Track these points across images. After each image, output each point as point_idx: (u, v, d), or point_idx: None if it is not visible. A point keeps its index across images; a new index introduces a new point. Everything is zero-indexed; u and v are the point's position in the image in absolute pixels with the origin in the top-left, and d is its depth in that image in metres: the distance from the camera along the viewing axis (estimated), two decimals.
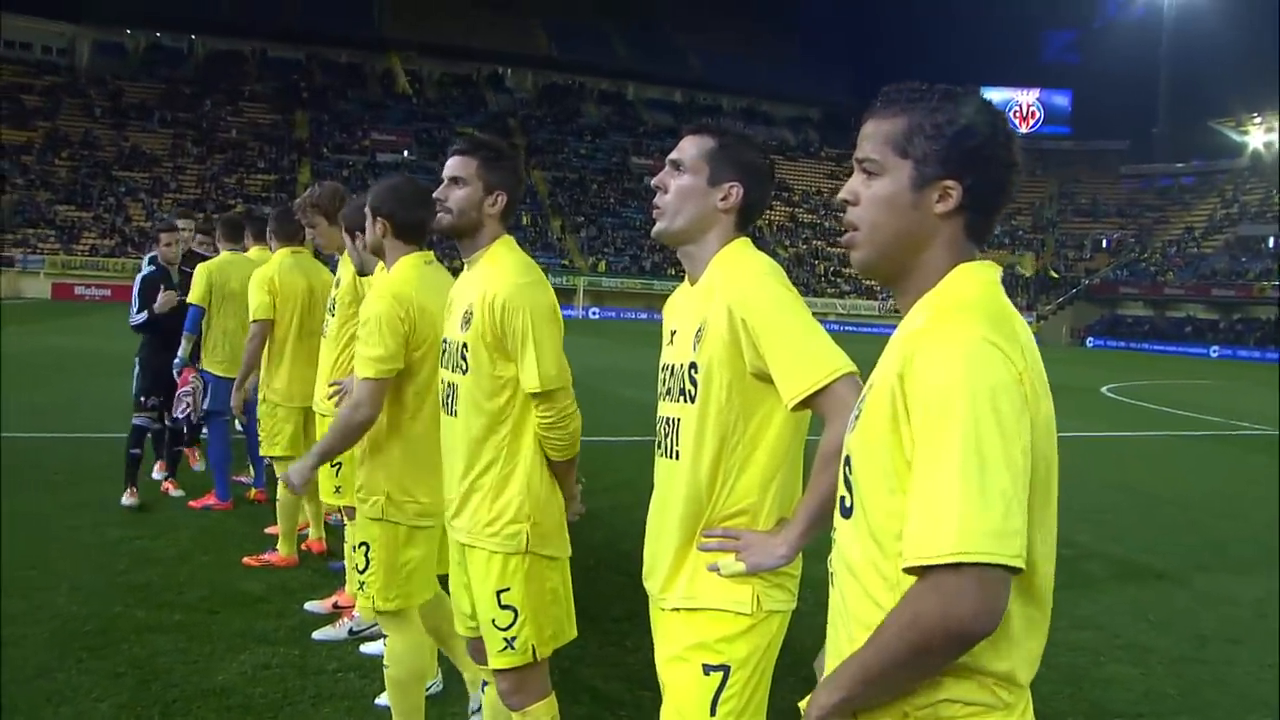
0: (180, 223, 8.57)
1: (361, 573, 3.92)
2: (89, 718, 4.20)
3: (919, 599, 1.53)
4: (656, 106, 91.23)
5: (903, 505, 1.64)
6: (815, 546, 2.44)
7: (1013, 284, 68.15)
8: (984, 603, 1.50)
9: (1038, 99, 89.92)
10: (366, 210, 4.07)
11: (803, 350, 2.38)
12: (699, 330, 2.48)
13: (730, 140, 2.61)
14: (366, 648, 5.11)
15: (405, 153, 73.06)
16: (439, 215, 3.34)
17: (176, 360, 7.79)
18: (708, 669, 2.45)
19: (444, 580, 4.22)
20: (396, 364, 3.70)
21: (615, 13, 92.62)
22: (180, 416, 7.81)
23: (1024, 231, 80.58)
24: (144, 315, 7.93)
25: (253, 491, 8.32)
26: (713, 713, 2.43)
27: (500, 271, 3.24)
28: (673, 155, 2.63)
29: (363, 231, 4.61)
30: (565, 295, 56.96)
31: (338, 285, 5.50)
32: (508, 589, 3.22)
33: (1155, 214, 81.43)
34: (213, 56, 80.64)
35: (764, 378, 2.41)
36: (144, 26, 79.00)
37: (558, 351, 3.20)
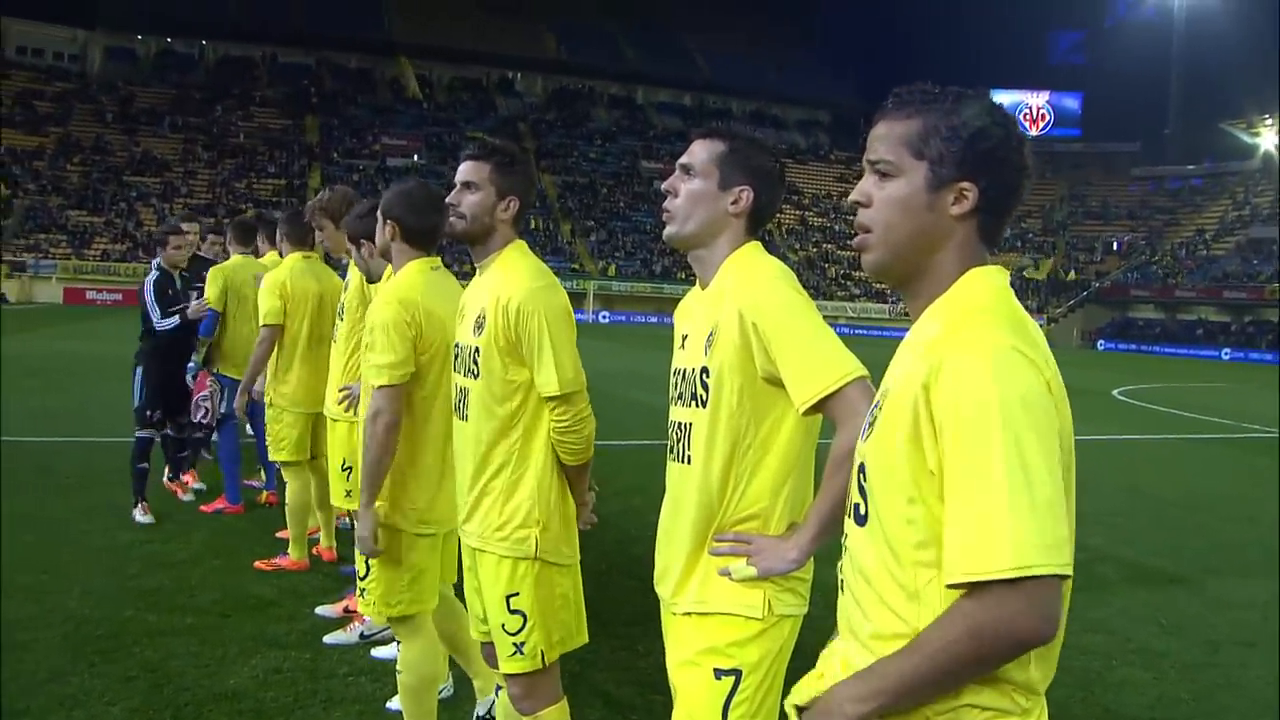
0: (185, 226, 8.51)
1: (362, 579, 3.92)
2: None
3: (977, 613, 1.53)
4: (666, 110, 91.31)
5: (921, 513, 1.64)
6: (826, 551, 2.43)
7: (1023, 287, 68.02)
8: (1044, 614, 1.52)
9: (1048, 101, 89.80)
10: (378, 214, 4.08)
11: (814, 354, 2.37)
12: (710, 335, 2.48)
13: (740, 144, 2.61)
14: (378, 652, 5.11)
15: (415, 157, 73.19)
16: (451, 220, 3.34)
17: (190, 365, 7.82)
18: (719, 673, 2.44)
19: (457, 587, 4.24)
20: (409, 368, 3.71)
21: (624, 16, 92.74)
22: (201, 421, 7.82)
23: (1034, 234, 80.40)
24: (175, 319, 7.64)
25: (264, 495, 8.34)
26: (724, 717, 2.43)
27: (513, 276, 3.24)
28: (683, 159, 2.63)
29: (367, 240, 4.64)
30: (576, 299, 56.39)
31: (346, 289, 5.52)
32: (517, 594, 3.22)
33: (1166, 216, 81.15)
34: (223, 62, 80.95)
35: (775, 382, 2.41)
36: (155, 32, 79.33)
37: (574, 355, 3.20)
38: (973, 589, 1.53)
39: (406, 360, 3.70)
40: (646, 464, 10.36)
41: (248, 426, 8.57)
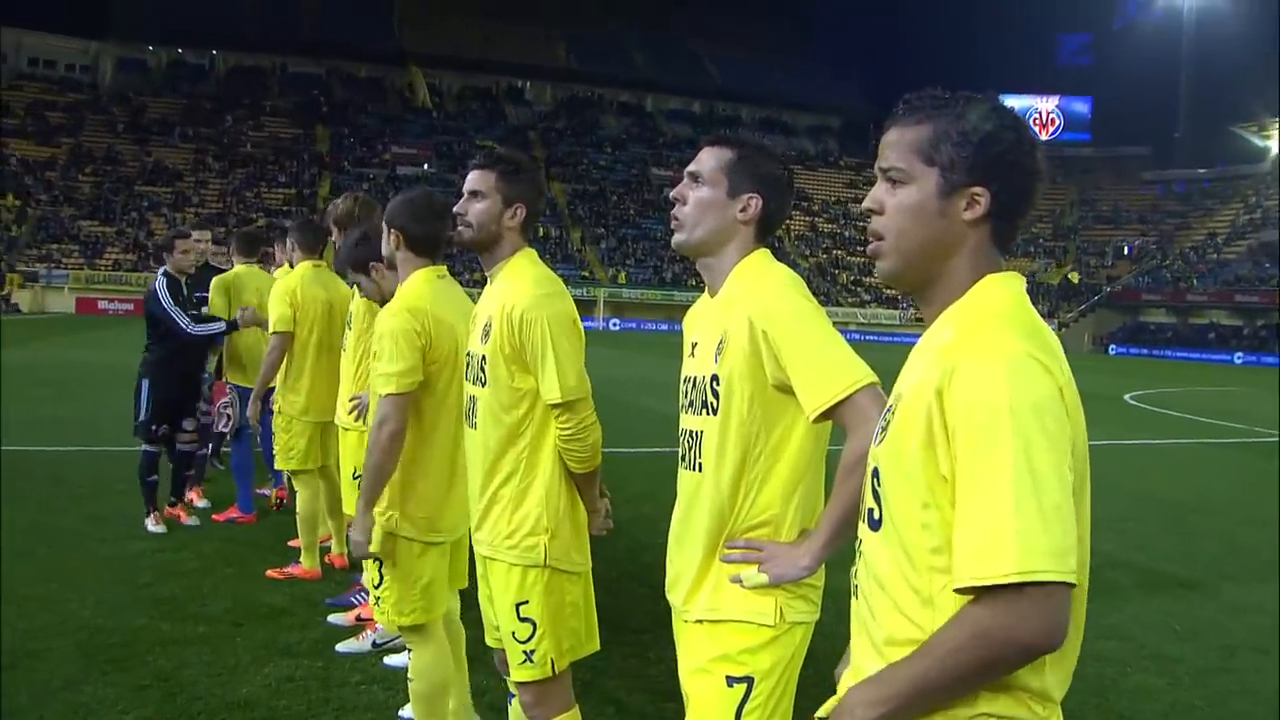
0: (196, 234, 8.32)
1: (376, 588, 3.93)
2: None
3: (984, 618, 1.54)
4: (676, 117, 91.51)
5: (936, 518, 1.64)
6: (837, 557, 2.43)
7: (1035, 292, 67.96)
8: (1050, 620, 1.52)
9: (1057, 106, 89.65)
10: (371, 233, 4.10)
11: (824, 361, 2.37)
12: (720, 342, 2.48)
13: (748, 151, 2.61)
14: (390, 660, 5.11)
15: (425, 166, 73.40)
16: (459, 229, 3.35)
17: (205, 375, 7.84)
18: (731, 681, 2.44)
19: (464, 595, 4.25)
20: (416, 377, 3.72)
21: (634, 24, 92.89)
22: (223, 431, 7.82)
23: (1045, 239, 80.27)
24: (221, 324, 7.51)
25: (273, 495, 8.36)
26: None
27: (519, 284, 3.25)
28: (691, 167, 2.63)
29: (360, 270, 4.67)
30: (586, 307, 57.02)
31: (354, 298, 5.53)
32: (526, 602, 3.22)
33: (1177, 220, 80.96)
34: (234, 72, 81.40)
35: (785, 389, 2.41)
36: (166, 43, 79.84)
37: (578, 362, 3.20)
38: (980, 594, 1.54)
39: (414, 369, 3.71)
40: (657, 471, 10.35)
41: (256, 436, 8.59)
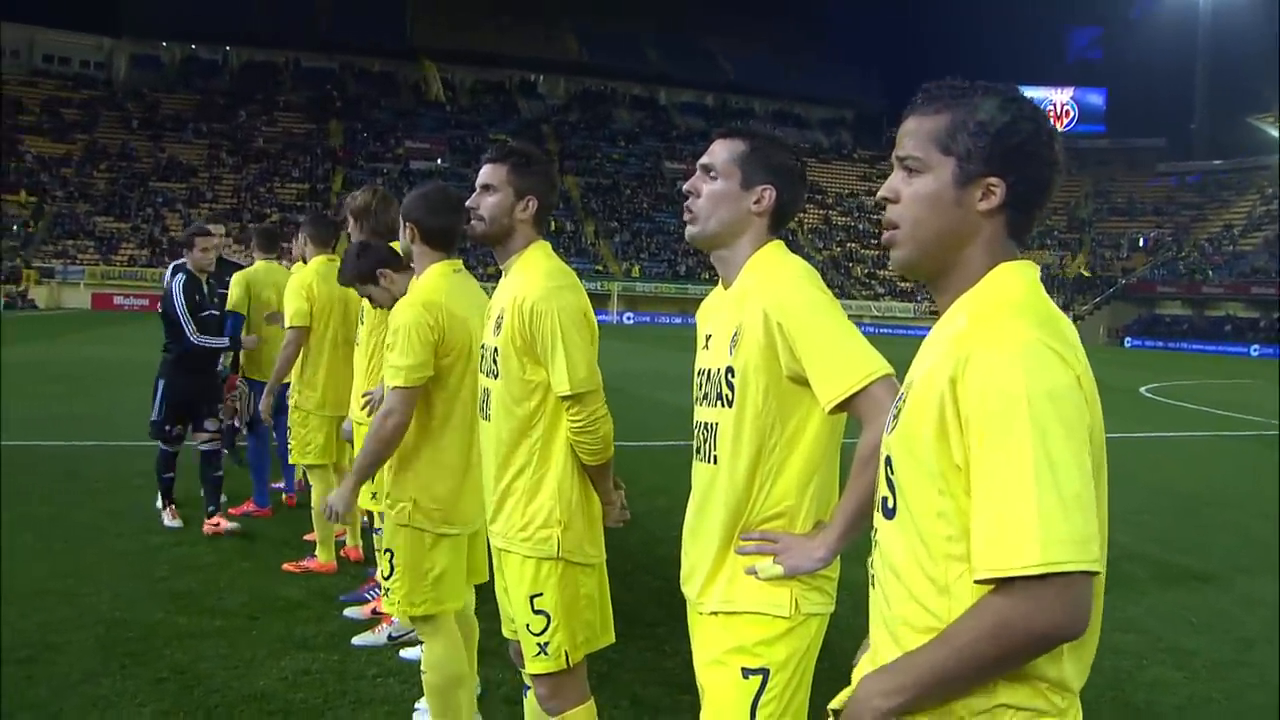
0: (212, 228, 8.23)
1: (386, 579, 3.96)
2: None
3: (1005, 607, 1.53)
4: (689, 110, 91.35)
5: (951, 506, 1.64)
6: (853, 550, 2.43)
7: (1049, 285, 67.56)
8: (1072, 610, 1.52)
9: (1072, 97, 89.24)
10: (374, 247, 4.14)
11: (839, 353, 2.37)
12: (735, 335, 2.47)
13: (761, 143, 2.60)
14: (406, 653, 5.13)
15: (439, 160, 73.45)
16: (472, 223, 3.36)
17: (221, 369, 7.85)
18: (746, 673, 2.44)
19: (479, 589, 4.26)
20: (426, 371, 3.74)
21: (646, 17, 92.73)
22: (234, 424, 7.79)
23: (1060, 231, 79.96)
24: (222, 340, 7.41)
25: (283, 497, 8.40)
26: (752, 717, 2.42)
27: (531, 277, 3.26)
28: (704, 160, 2.62)
29: (381, 272, 4.68)
30: (599, 300, 57.04)
31: None
32: (540, 594, 3.23)
33: (1193, 212, 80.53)
34: (247, 67, 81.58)
35: (800, 381, 2.40)
36: (179, 39, 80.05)
37: (588, 355, 3.21)
38: (1001, 584, 1.53)
39: (425, 364, 3.73)
40: (671, 464, 10.36)
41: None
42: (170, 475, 7.51)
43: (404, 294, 4.37)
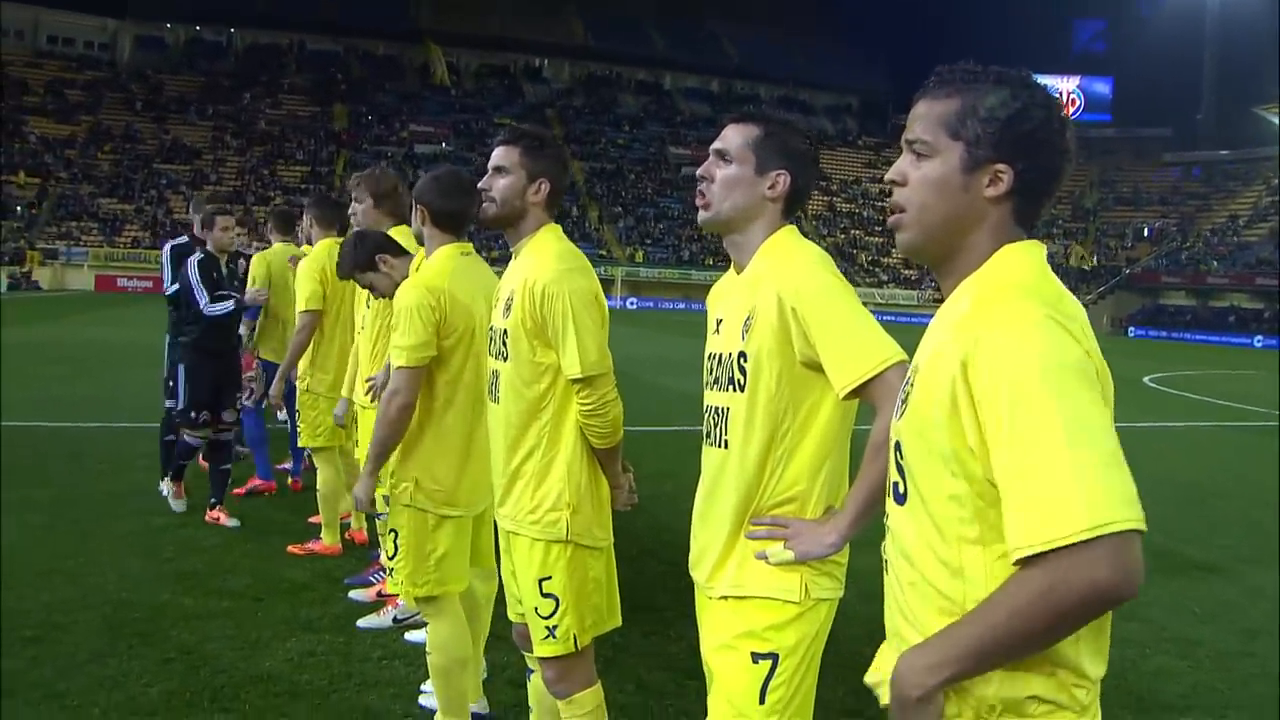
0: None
1: (391, 559, 3.99)
2: (140, 703, 4.25)
3: (1058, 571, 1.46)
4: (694, 96, 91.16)
5: (964, 489, 1.63)
6: (861, 537, 2.43)
7: (1056, 273, 67.64)
8: (1127, 568, 1.47)
9: (1078, 86, 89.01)
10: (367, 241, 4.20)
11: (854, 339, 2.36)
12: (747, 319, 2.47)
13: (775, 128, 2.59)
14: (411, 635, 5.14)
15: (444, 144, 73.36)
16: (484, 205, 3.36)
17: (241, 346, 7.81)
18: (756, 657, 2.44)
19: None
20: (429, 351, 3.77)
21: (652, 2, 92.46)
22: (249, 404, 7.74)
23: (1065, 220, 79.84)
24: (228, 304, 7.11)
25: (289, 480, 8.41)
26: (762, 701, 2.42)
27: (542, 259, 3.26)
28: (717, 145, 2.61)
29: (381, 259, 4.67)
30: (603, 285, 56.59)
31: None
32: (549, 577, 3.23)
33: (1198, 202, 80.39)
34: (251, 49, 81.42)
35: (813, 366, 2.40)
36: (184, 20, 79.86)
37: (599, 337, 3.20)
38: (1048, 553, 1.47)
39: (427, 343, 3.76)
40: (677, 449, 10.37)
41: (279, 412, 8.62)
42: (184, 464, 7.36)
43: (405, 278, 4.37)
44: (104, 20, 77.84)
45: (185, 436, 7.24)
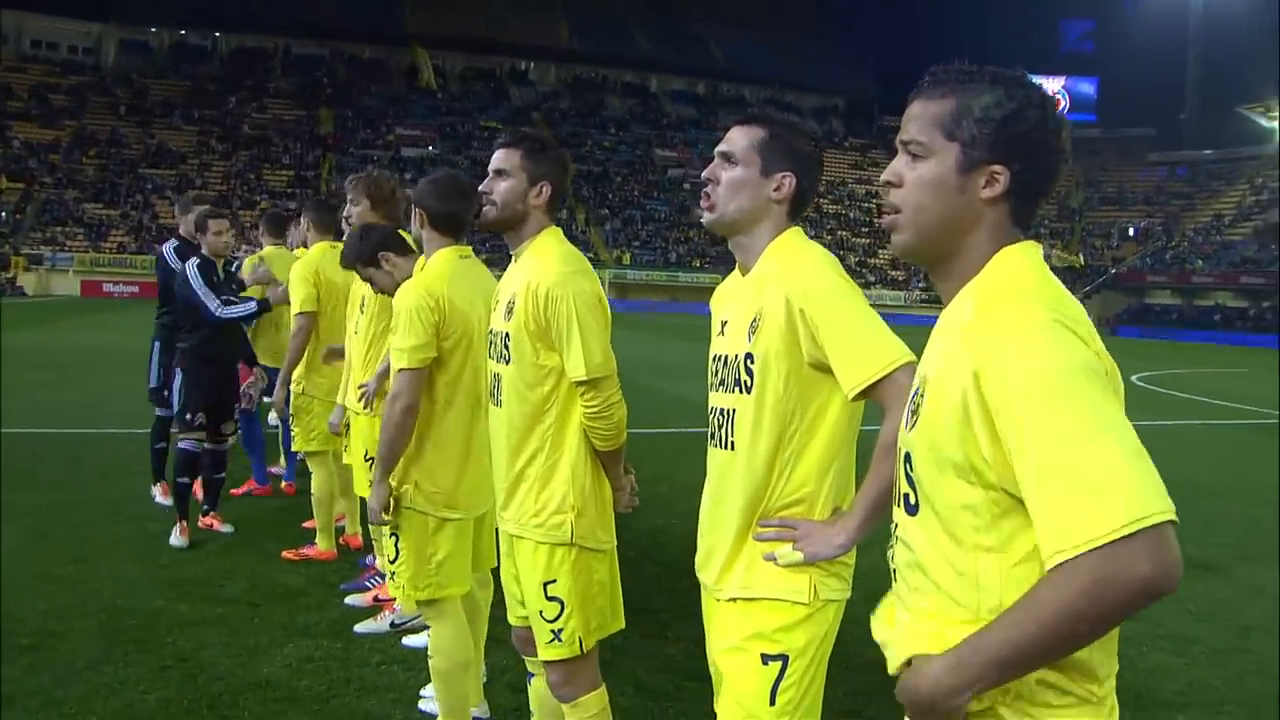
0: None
1: (392, 562, 3.98)
2: (138, 710, 4.23)
3: (1099, 566, 1.44)
4: (679, 98, 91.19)
5: (980, 498, 1.62)
6: (867, 538, 2.43)
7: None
8: (1169, 559, 1.46)
9: (1063, 86, 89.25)
10: (372, 234, 4.24)
11: (862, 340, 2.36)
12: (754, 320, 2.47)
13: (780, 130, 2.59)
14: (409, 640, 5.12)
15: (430, 147, 73.23)
16: (484, 208, 3.35)
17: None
18: (766, 659, 2.44)
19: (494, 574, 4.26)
20: (430, 353, 3.77)
21: (637, 4, 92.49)
22: (249, 409, 7.63)
23: (1050, 220, 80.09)
24: (250, 306, 6.86)
25: (283, 484, 8.38)
26: (772, 702, 2.43)
27: (544, 261, 3.25)
28: (722, 147, 2.61)
29: (371, 264, 4.65)
30: None
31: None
32: (554, 580, 3.23)
33: (1183, 201, 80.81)
34: (237, 53, 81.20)
35: (821, 368, 2.40)
36: (168, 24, 79.59)
37: (603, 340, 3.21)
38: (1089, 553, 1.46)
39: (428, 345, 3.75)
40: (670, 451, 10.37)
41: (270, 416, 8.59)
42: (187, 480, 6.80)
43: (406, 278, 4.36)
44: (88, 24, 77.54)
45: (181, 442, 6.86)
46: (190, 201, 8.10)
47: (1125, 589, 1.45)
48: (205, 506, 7.18)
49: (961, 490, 1.64)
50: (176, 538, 6.64)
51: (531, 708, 3.68)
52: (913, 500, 1.75)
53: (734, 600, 2.52)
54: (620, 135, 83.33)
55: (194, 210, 7.52)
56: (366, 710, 4.38)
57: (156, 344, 7.80)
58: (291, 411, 6.66)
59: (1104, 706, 1.67)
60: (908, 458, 1.76)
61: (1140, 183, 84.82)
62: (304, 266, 6.49)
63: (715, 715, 2.58)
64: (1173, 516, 1.46)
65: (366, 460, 5.20)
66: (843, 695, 4.23)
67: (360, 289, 5.52)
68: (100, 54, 77.85)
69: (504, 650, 4.70)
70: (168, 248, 7.77)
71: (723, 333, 2.62)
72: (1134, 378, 25.32)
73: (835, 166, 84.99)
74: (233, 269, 7.65)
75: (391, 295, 4.63)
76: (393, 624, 5.31)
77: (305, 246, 6.97)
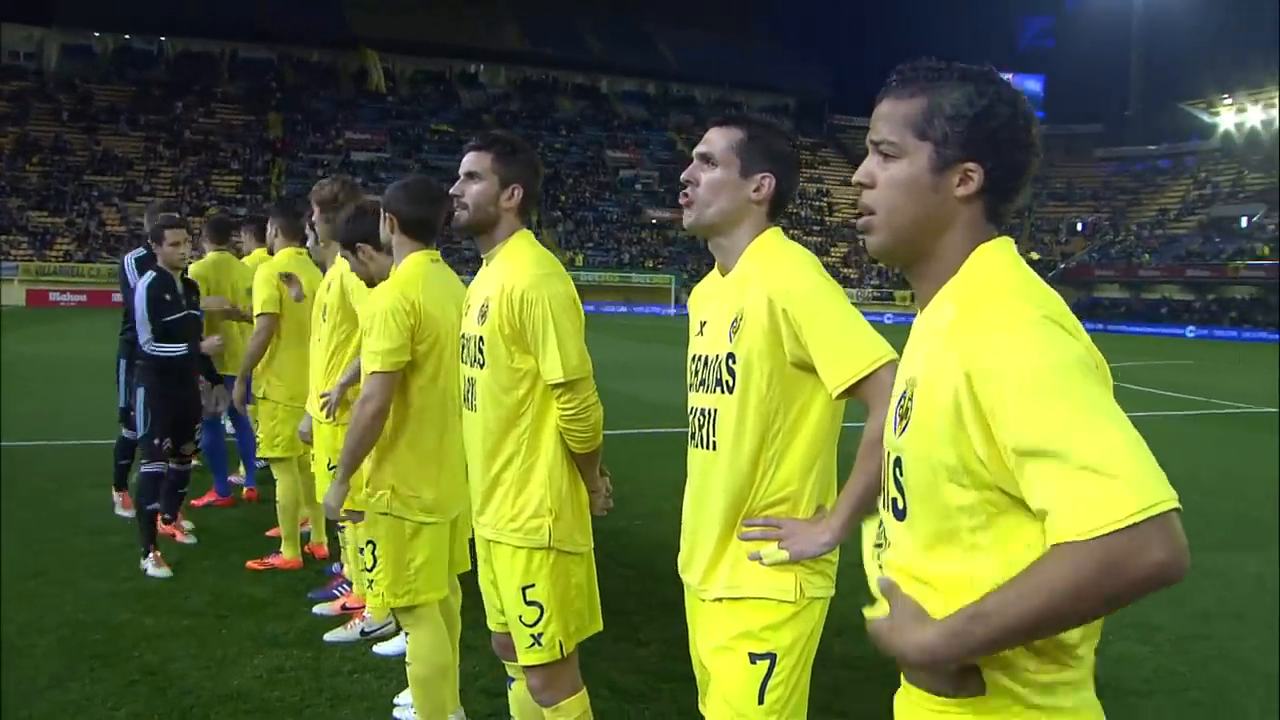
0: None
1: (369, 570, 3.95)
2: None
3: (1109, 555, 1.43)
4: (630, 99, 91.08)
5: (975, 498, 1.62)
6: (850, 534, 2.44)
7: None
8: (1178, 546, 1.45)
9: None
10: (369, 213, 4.09)
11: (845, 338, 2.38)
12: (735, 320, 2.47)
13: (759, 130, 2.60)
14: (380, 648, 5.09)
15: (380, 151, 72.70)
16: (456, 212, 3.34)
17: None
18: (754, 657, 2.45)
19: (464, 579, 4.23)
20: (404, 356, 3.74)
21: (588, 6, 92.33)
22: (213, 414, 7.50)
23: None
24: (183, 348, 6.41)
25: (244, 490, 8.29)
26: (760, 701, 2.44)
27: (518, 265, 3.24)
28: (701, 149, 2.61)
29: (362, 243, 4.59)
30: None
31: (329, 290, 5.43)
32: (533, 585, 3.22)
33: (1129, 197, 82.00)
34: (183, 58, 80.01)
35: (804, 367, 2.41)
36: (112, 29, 78.24)
37: (579, 342, 3.21)
38: (1097, 539, 1.45)
39: (402, 348, 3.73)
40: (631, 453, 10.37)
41: (228, 425, 8.50)
42: (156, 506, 6.48)
43: (380, 275, 4.33)
44: (29, 29, 76.09)
45: (145, 467, 6.49)
46: (157, 209, 7.69)
47: (1138, 572, 1.44)
48: (165, 515, 6.89)
49: (956, 493, 1.64)
50: (154, 568, 6.28)
51: (512, 713, 3.67)
52: (900, 505, 1.74)
53: (720, 600, 2.52)
54: (571, 137, 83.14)
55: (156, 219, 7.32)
56: (340, 719, 4.34)
57: (122, 362, 7.60)
58: (256, 417, 6.58)
59: (1085, 685, 1.68)
60: (898, 462, 1.74)
61: (1088, 178, 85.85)
62: (269, 269, 6.42)
63: (692, 716, 2.58)
64: (1177, 505, 1.46)
65: (330, 469, 5.16)
66: (815, 691, 4.24)
67: (324, 298, 5.48)
68: (42, 59, 76.49)
69: (477, 655, 4.69)
70: (129, 259, 7.53)
71: (702, 333, 2.62)
72: None
73: None
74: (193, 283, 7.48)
75: (366, 285, 4.61)
76: (363, 632, 5.27)
77: (271, 253, 6.88)
